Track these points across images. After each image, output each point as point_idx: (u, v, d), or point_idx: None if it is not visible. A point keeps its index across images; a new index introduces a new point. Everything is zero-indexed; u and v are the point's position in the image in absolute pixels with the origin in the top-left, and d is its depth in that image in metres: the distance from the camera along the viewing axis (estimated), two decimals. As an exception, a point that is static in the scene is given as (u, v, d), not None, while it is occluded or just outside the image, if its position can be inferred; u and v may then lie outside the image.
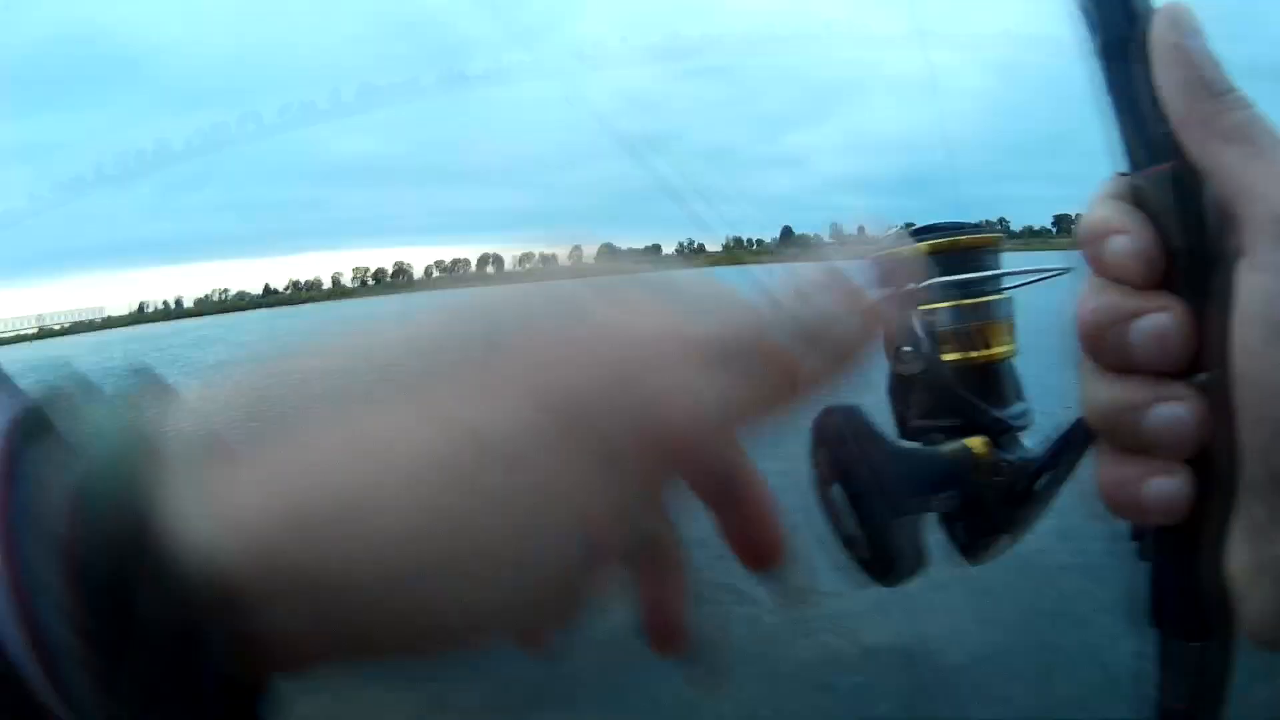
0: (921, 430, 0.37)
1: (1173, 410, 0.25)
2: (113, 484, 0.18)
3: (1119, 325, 0.25)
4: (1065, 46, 0.29)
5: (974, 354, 0.36)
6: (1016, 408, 0.37)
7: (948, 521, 0.35)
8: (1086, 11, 0.28)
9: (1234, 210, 0.24)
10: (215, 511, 0.17)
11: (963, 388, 0.36)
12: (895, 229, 0.36)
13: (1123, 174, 0.28)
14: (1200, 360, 0.25)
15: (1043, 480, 0.34)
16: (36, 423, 0.19)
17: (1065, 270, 0.36)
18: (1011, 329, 0.37)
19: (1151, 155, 0.26)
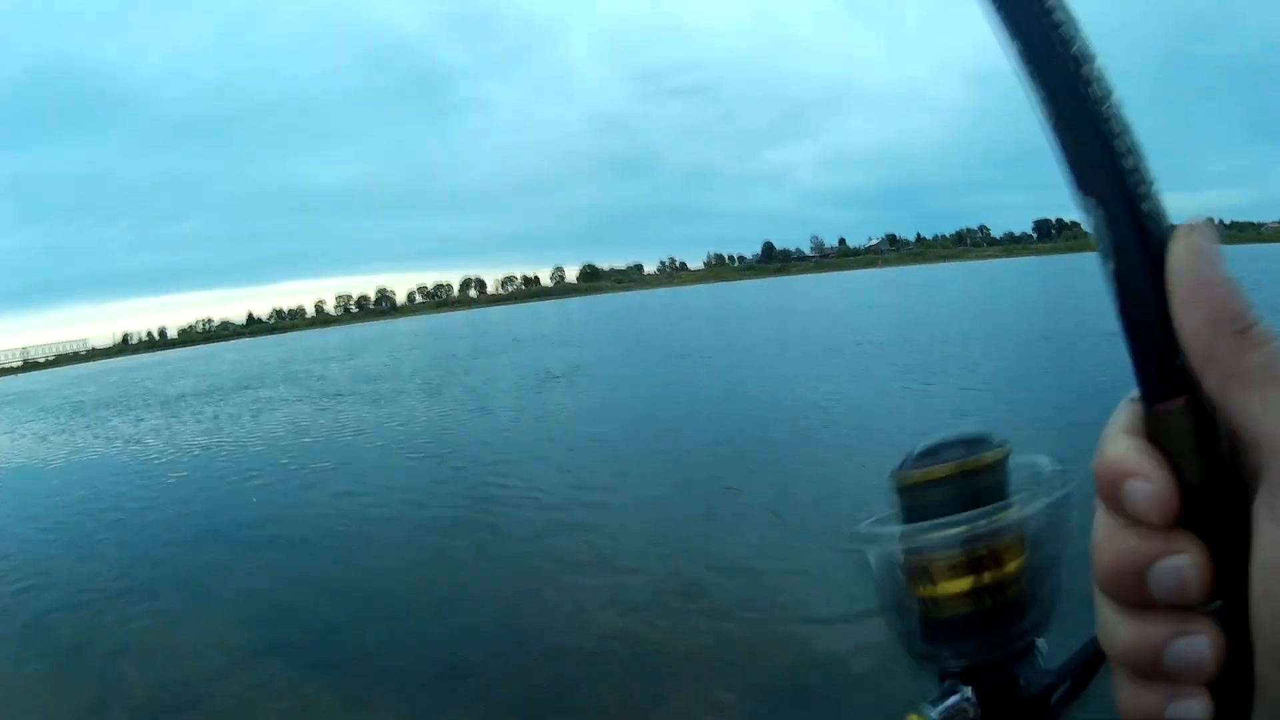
0: (928, 656, 0.36)
1: (1192, 643, 0.25)
2: None
3: (1138, 568, 0.25)
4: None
5: (985, 576, 0.33)
6: (1029, 619, 0.35)
7: None
8: (1099, 232, 0.25)
9: (1252, 452, 0.23)
10: None
11: (970, 617, 0.34)
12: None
13: (1134, 401, 0.26)
14: (1215, 588, 0.24)
15: (1059, 693, 0.34)
16: None
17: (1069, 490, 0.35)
18: (1021, 541, 0.34)
19: (1166, 386, 0.25)
